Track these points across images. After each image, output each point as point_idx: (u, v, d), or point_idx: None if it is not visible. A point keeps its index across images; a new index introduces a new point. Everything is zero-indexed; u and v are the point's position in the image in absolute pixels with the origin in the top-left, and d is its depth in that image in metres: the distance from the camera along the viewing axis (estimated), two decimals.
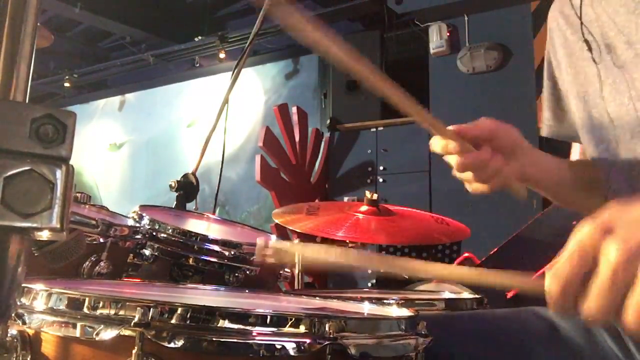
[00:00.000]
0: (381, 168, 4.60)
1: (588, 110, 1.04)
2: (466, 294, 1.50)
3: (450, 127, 0.96)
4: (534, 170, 1.06)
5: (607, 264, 0.57)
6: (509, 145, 1.01)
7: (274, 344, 0.71)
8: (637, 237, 0.56)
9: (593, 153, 1.06)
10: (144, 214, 1.38)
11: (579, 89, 1.06)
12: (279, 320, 0.72)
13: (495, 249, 2.36)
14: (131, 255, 1.32)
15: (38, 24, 0.52)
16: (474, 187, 1.02)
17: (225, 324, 0.71)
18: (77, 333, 0.72)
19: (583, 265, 0.58)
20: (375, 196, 1.82)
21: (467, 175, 1.00)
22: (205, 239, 1.38)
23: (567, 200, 1.18)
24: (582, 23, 1.04)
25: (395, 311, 0.97)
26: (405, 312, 0.92)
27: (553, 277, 0.60)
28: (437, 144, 0.97)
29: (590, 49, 1.03)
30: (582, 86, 1.06)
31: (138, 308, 0.69)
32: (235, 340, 0.70)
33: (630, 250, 0.56)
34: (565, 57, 1.11)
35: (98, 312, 0.72)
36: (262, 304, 1.09)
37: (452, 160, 0.98)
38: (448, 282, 1.54)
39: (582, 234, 0.60)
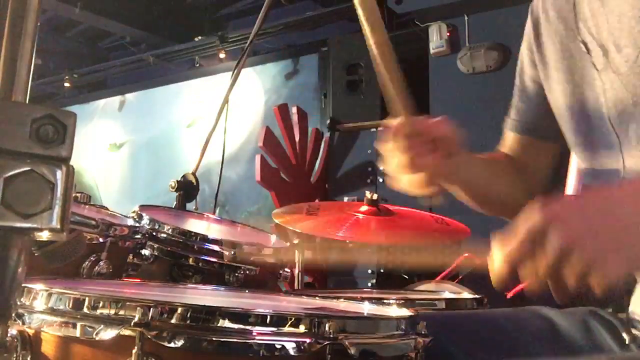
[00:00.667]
0: (381, 168, 4.59)
1: (582, 112, 1.03)
2: (466, 294, 1.50)
3: (412, 119, 0.96)
4: (459, 172, 1.07)
5: (551, 245, 0.68)
6: (455, 151, 1.01)
7: (274, 344, 0.71)
8: (576, 229, 0.68)
9: (590, 157, 1.05)
10: (144, 214, 1.38)
11: (572, 88, 1.05)
12: (279, 320, 0.72)
13: None
14: (131, 255, 1.32)
15: (38, 24, 0.52)
16: (402, 186, 1.02)
17: (225, 323, 0.71)
18: (77, 333, 0.73)
19: (530, 250, 0.70)
20: (375, 196, 1.82)
21: (406, 177, 0.99)
22: (205, 239, 1.38)
23: (478, 204, 1.19)
24: (578, 21, 1.03)
25: (395, 311, 0.97)
26: (405, 312, 0.92)
27: (504, 258, 0.71)
28: (395, 140, 0.97)
29: (588, 50, 1.01)
30: (576, 86, 1.04)
31: (138, 308, 0.69)
32: (235, 340, 0.70)
33: (570, 240, 0.68)
34: (556, 53, 1.09)
35: (98, 312, 0.72)
36: (262, 304, 1.09)
37: (402, 159, 0.97)
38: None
39: (532, 220, 0.71)
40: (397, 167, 1.00)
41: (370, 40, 0.83)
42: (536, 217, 0.71)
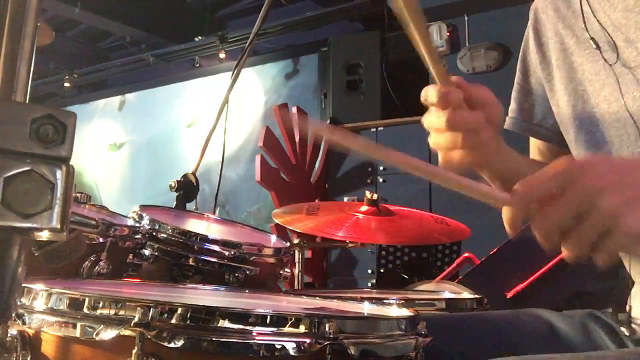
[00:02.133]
0: (381, 168, 4.59)
1: (587, 109, 1.03)
2: (466, 294, 1.50)
3: (453, 77, 0.86)
4: (499, 162, 1.00)
5: (572, 191, 0.64)
6: (497, 120, 0.92)
7: (274, 344, 0.71)
8: (604, 181, 0.64)
9: (586, 155, 1.04)
10: (144, 214, 1.38)
11: (575, 86, 1.05)
12: (279, 320, 0.72)
13: (495, 249, 2.36)
14: (131, 255, 1.32)
15: (38, 24, 0.52)
16: (452, 155, 0.90)
17: (225, 324, 0.71)
18: (77, 333, 0.73)
19: (551, 186, 0.66)
20: (375, 196, 1.82)
21: (454, 137, 0.87)
22: (205, 239, 1.38)
23: None
24: (583, 17, 1.03)
25: (395, 311, 0.97)
26: (405, 312, 0.92)
27: (523, 186, 0.67)
28: (432, 91, 0.84)
29: (589, 47, 1.01)
30: (579, 84, 1.04)
31: (138, 308, 0.69)
32: (235, 340, 0.70)
33: (594, 188, 0.63)
34: (556, 52, 1.09)
35: (98, 312, 0.72)
36: (262, 304, 1.09)
37: (440, 118, 0.85)
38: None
39: (560, 165, 0.67)
40: (453, 156, 0.90)
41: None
42: (563, 162, 0.68)
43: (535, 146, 1.22)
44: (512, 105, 1.20)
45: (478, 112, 0.87)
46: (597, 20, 1.00)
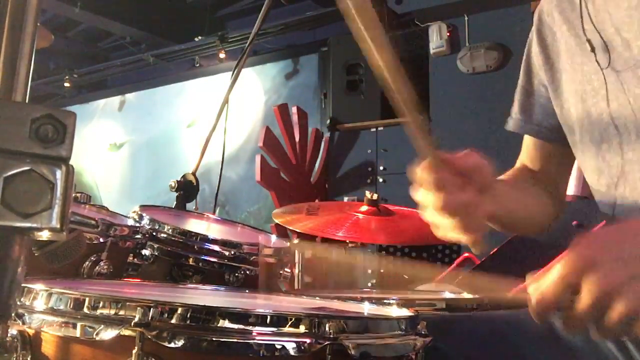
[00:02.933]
0: (381, 168, 4.59)
1: (587, 110, 1.03)
2: (466, 294, 1.50)
3: (439, 153, 0.85)
4: (502, 212, 1.00)
5: (588, 294, 0.69)
6: (487, 183, 0.91)
7: (274, 344, 0.71)
8: (616, 277, 0.68)
9: (593, 155, 1.05)
10: (144, 214, 1.38)
11: (577, 87, 1.06)
12: (279, 320, 0.72)
13: (495, 249, 2.35)
14: (131, 255, 1.32)
15: (38, 24, 0.52)
16: (447, 234, 0.90)
17: (225, 324, 0.71)
18: (77, 333, 0.72)
19: (565, 290, 0.71)
20: (375, 196, 1.82)
21: (449, 222, 0.87)
22: (205, 239, 1.38)
23: (512, 229, 1.17)
24: (582, 19, 1.03)
25: (395, 311, 0.97)
26: (405, 312, 0.92)
27: (538, 295, 0.72)
28: (426, 176, 0.84)
29: (590, 47, 1.01)
30: (580, 84, 1.05)
31: (138, 308, 0.69)
32: (235, 340, 0.70)
33: (608, 286, 0.68)
34: (561, 54, 1.10)
35: (98, 312, 0.72)
36: (262, 304, 1.09)
37: (434, 199, 0.85)
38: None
39: (565, 263, 0.71)
40: (433, 211, 0.89)
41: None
42: (570, 261, 0.71)
43: (527, 147, 1.22)
44: (515, 106, 1.21)
45: (469, 191, 0.86)
46: (596, 21, 1.01)
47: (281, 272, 1.51)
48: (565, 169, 1.18)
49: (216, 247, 1.37)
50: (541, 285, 0.72)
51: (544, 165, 1.20)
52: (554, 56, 1.11)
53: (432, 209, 0.88)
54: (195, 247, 1.35)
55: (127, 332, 0.69)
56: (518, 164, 1.25)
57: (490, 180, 0.92)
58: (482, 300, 1.43)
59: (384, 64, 0.69)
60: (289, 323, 0.72)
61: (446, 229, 0.89)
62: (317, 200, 4.52)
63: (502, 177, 1.16)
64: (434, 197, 0.85)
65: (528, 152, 1.22)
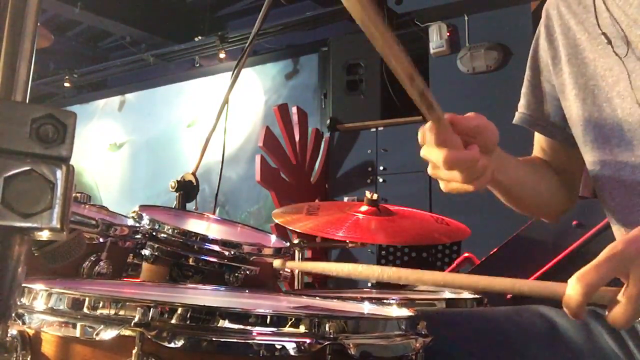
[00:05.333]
0: (381, 168, 4.59)
1: (598, 104, 1.03)
2: (466, 294, 1.50)
3: (445, 115, 0.86)
4: (501, 175, 1.00)
5: (636, 280, 0.66)
6: (492, 144, 0.92)
7: (274, 344, 0.71)
8: None
9: (595, 151, 1.05)
10: (144, 214, 1.38)
11: (585, 81, 1.05)
12: (279, 320, 0.72)
13: (495, 249, 2.36)
14: (131, 255, 1.32)
15: (38, 24, 0.52)
16: (452, 186, 0.92)
17: (225, 324, 0.71)
18: (77, 333, 0.72)
19: (609, 275, 0.68)
20: (375, 196, 1.82)
21: (451, 174, 0.89)
22: (205, 239, 1.38)
23: (521, 205, 1.17)
24: (596, 13, 1.03)
25: (395, 311, 0.97)
26: (405, 312, 0.92)
27: (578, 282, 0.68)
28: (429, 136, 0.85)
29: (607, 40, 1.02)
30: (590, 79, 1.05)
31: (138, 308, 0.69)
32: (235, 340, 0.70)
33: None
34: (568, 48, 1.10)
35: (98, 312, 0.72)
36: (262, 304, 1.09)
37: (437, 156, 0.86)
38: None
39: (614, 247, 0.68)
40: (454, 186, 0.91)
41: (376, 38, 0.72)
42: (620, 246, 0.69)
43: (538, 143, 1.23)
44: (522, 101, 1.21)
45: (472, 147, 0.88)
46: (611, 15, 1.01)
47: (281, 272, 1.51)
48: (576, 162, 1.16)
49: (216, 247, 1.37)
50: (585, 270, 0.68)
51: (555, 159, 1.21)
52: (560, 50, 1.12)
53: (435, 165, 0.89)
54: (195, 247, 1.35)
55: (127, 332, 0.69)
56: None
57: (494, 142, 0.92)
58: (482, 300, 1.43)
59: (376, 30, 0.68)
60: (289, 323, 0.72)
61: (450, 182, 0.91)
62: (317, 200, 4.52)
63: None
64: (436, 152, 0.86)
65: (540, 146, 1.23)
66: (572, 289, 0.68)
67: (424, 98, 0.76)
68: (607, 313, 0.70)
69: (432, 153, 0.87)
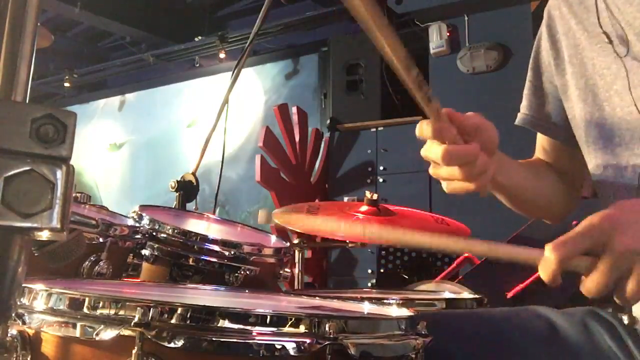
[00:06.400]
0: (381, 168, 4.59)
1: (597, 103, 1.03)
2: (466, 294, 1.50)
3: (443, 110, 0.86)
4: (502, 178, 1.01)
5: (611, 252, 0.68)
6: (492, 144, 0.92)
7: (274, 344, 0.71)
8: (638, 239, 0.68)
9: (597, 151, 1.05)
10: (144, 214, 1.38)
11: (586, 81, 1.06)
12: (279, 320, 0.72)
13: None
14: (131, 255, 1.32)
15: (38, 24, 0.52)
16: (453, 186, 0.92)
17: (225, 324, 0.71)
18: (77, 333, 0.72)
19: (585, 246, 0.70)
20: (375, 196, 1.82)
21: (451, 171, 0.89)
22: (205, 239, 1.38)
23: (524, 208, 1.17)
24: (598, 13, 1.03)
25: (395, 311, 0.97)
26: (405, 312, 0.92)
27: (554, 251, 0.70)
28: (426, 127, 0.85)
29: (608, 39, 1.02)
30: (590, 79, 1.05)
31: (138, 308, 0.69)
32: (235, 340, 0.70)
33: (631, 247, 0.68)
34: (569, 48, 1.10)
35: (98, 312, 0.72)
36: (262, 304, 1.09)
37: (436, 152, 0.86)
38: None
39: (591, 220, 0.70)
40: (456, 186, 0.91)
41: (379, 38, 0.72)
42: (596, 219, 0.70)
43: (540, 144, 1.23)
44: (524, 102, 1.22)
45: (472, 143, 0.88)
46: (611, 14, 1.01)
47: (281, 272, 1.51)
48: (578, 163, 1.16)
49: (216, 247, 1.37)
50: (562, 240, 0.71)
51: (557, 160, 1.21)
52: (562, 50, 1.12)
53: (435, 162, 0.90)
54: (195, 247, 1.35)
55: (127, 332, 0.69)
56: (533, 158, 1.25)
57: (494, 142, 0.92)
58: (482, 300, 1.43)
59: (371, 19, 0.67)
60: (289, 323, 0.72)
61: (451, 181, 0.91)
62: (317, 200, 4.52)
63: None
64: (435, 146, 0.86)
65: (542, 147, 1.23)
66: (548, 257, 0.70)
67: (421, 88, 0.76)
68: (582, 279, 0.72)
69: (431, 148, 0.87)
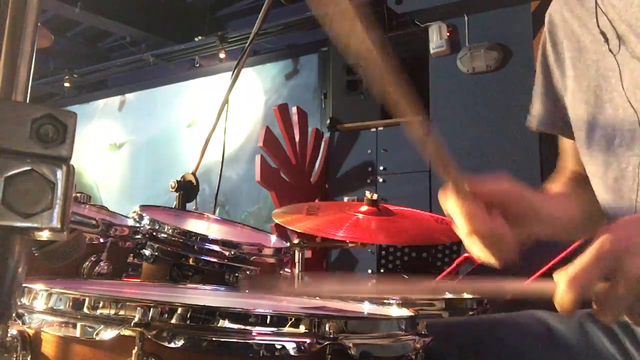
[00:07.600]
0: (381, 168, 4.59)
1: (600, 105, 1.03)
2: (466, 294, 1.50)
3: (466, 185, 0.84)
4: (541, 228, 0.97)
5: (625, 277, 0.66)
6: (519, 212, 0.90)
7: (274, 344, 0.71)
8: None
9: (599, 152, 1.04)
10: (144, 214, 1.38)
11: (588, 83, 1.05)
12: (279, 320, 0.72)
13: None
14: (131, 255, 1.32)
15: (38, 24, 0.52)
16: (476, 253, 0.90)
17: (225, 324, 0.71)
18: (77, 333, 0.72)
19: (599, 272, 0.67)
20: (375, 196, 1.82)
21: (476, 244, 0.87)
22: (205, 239, 1.38)
23: (567, 236, 1.14)
24: (597, 14, 1.03)
25: (395, 311, 0.97)
26: (405, 312, 0.92)
27: (571, 284, 0.67)
28: (453, 207, 0.84)
29: (606, 41, 1.01)
30: (593, 81, 1.04)
31: (138, 308, 0.69)
32: (235, 340, 0.70)
33: None
34: (572, 51, 1.10)
35: (98, 312, 0.72)
36: (262, 304, 1.09)
37: (461, 226, 0.86)
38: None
39: (601, 245, 0.67)
40: (461, 232, 0.89)
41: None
42: (607, 244, 0.68)
43: (564, 152, 1.20)
44: (536, 106, 1.20)
45: (495, 219, 0.86)
46: (605, 13, 1.01)
47: (281, 272, 1.51)
48: None
49: (216, 247, 1.37)
50: (572, 269, 0.68)
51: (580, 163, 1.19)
52: (563, 53, 1.12)
53: (460, 232, 0.88)
54: (195, 247, 1.35)
55: (127, 332, 0.69)
56: (564, 169, 1.22)
57: (523, 208, 0.90)
58: (481, 301, 1.43)
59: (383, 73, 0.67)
60: (289, 323, 0.72)
61: (477, 251, 0.89)
62: (317, 200, 4.52)
63: (547, 186, 1.13)
64: (461, 223, 0.85)
65: (567, 154, 1.20)
66: (565, 294, 0.68)
67: (443, 156, 0.77)
68: (593, 307, 0.70)
69: (453, 214, 0.85)
